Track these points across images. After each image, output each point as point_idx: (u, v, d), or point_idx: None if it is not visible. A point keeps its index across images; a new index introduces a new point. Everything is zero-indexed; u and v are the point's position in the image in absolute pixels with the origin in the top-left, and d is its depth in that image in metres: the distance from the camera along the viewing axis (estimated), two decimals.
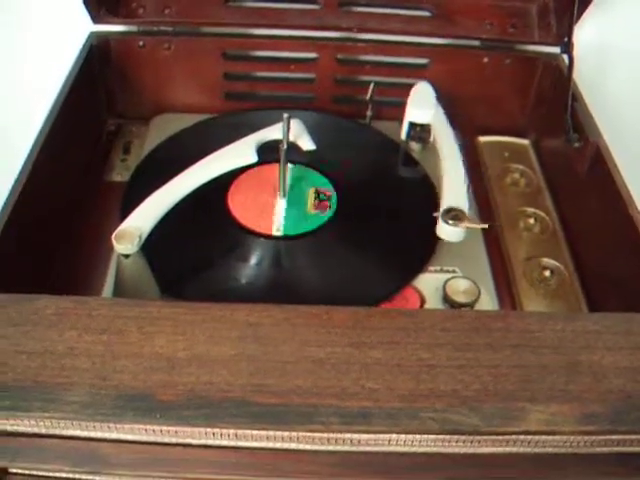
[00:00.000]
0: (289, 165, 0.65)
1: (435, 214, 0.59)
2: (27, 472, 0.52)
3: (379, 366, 0.44)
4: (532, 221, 0.68)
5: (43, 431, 0.47)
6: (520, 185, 0.73)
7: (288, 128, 0.59)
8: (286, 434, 0.45)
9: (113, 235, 0.53)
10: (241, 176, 0.65)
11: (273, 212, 0.62)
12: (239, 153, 0.60)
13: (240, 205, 0.62)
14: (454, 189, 0.61)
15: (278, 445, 0.46)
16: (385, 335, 0.45)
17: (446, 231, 0.58)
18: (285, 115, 0.58)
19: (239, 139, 0.62)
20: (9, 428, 0.46)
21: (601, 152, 0.63)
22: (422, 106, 0.71)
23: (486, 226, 0.58)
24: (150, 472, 0.48)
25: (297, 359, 0.44)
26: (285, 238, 0.60)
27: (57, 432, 0.47)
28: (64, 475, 0.52)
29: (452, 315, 0.49)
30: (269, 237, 0.60)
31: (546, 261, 0.64)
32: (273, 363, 0.43)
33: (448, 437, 0.45)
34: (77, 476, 0.52)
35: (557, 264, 0.64)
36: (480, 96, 0.78)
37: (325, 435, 0.45)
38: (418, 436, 0.45)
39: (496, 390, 0.43)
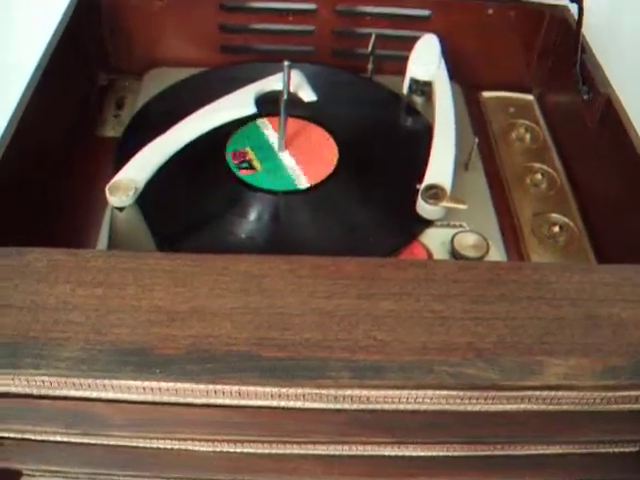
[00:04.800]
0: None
1: (417, 186, 0.57)
2: (19, 436, 0.50)
3: (390, 318, 0.41)
4: (539, 176, 0.66)
5: (34, 392, 0.44)
6: (526, 141, 0.70)
7: (289, 77, 0.56)
8: (292, 391, 0.43)
9: (107, 187, 0.50)
10: (241, 129, 0.62)
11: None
12: (237, 103, 0.58)
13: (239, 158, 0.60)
14: (439, 165, 0.59)
15: (283, 404, 0.44)
16: (395, 286, 0.43)
17: (425, 208, 0.57)
18: (286, 63, 0.56)
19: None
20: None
21: (612, 103, 0.61)
22: (424, 62, 0.69)
23: (465, 206, 0.56)
24: (148, 433, 0.47)
25: (304, 311, 0.41)
26: (286, 193, 0.58)
27: (50, 392, 0.44)
28: (58, 438, 0.50)
29: (465, 266, 0.46)
30: (268, 192, 0.58)
31: (555, 217, 0.62)
32: (279, 316, 0.41)
33: (461, 394, 0.43)
34: (72, 439, 0.50)
35: (566, 220, 0.62)
36: (484, 50, 0.75)
37: (333, 392, 0.43)
38: (430, 392, 0.43)
39: (513, 343, 0.41)
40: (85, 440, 0.50)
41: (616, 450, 0.52)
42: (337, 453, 0.50)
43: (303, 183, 0.59)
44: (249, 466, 0.50)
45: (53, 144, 0.62)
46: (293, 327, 0.41)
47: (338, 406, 0.44)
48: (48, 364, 0.39)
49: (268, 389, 0.43)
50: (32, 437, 0.50)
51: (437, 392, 0.43)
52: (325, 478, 0.51)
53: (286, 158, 0.61)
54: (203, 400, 0.44)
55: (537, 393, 0.44)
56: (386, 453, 0.50)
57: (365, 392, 0.43)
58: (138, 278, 0.43)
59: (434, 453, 0.50)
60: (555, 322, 0.43)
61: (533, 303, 0.43)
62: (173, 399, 0.44)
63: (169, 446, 0.50)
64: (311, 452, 0.50)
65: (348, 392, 0.43)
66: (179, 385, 0.43)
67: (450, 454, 0.50)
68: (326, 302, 0.42)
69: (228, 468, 0.50)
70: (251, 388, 0.43)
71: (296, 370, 0.39)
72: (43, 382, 0.43)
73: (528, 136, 0.71)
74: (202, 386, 0.42)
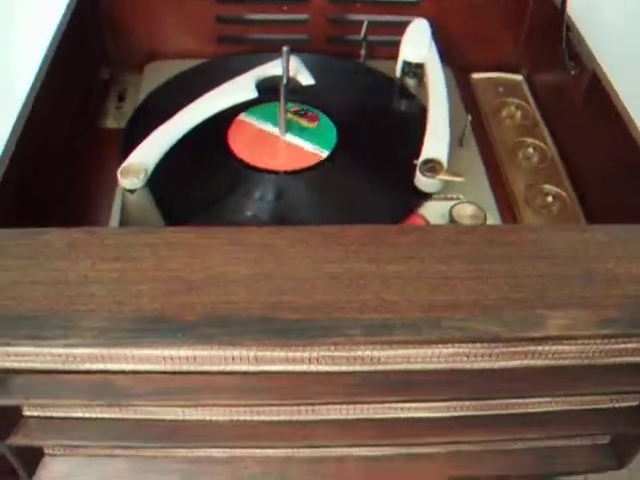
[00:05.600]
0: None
1: (415, 162, 0.59)
2: (42, 414, 0.52)
3: (397, 279, 0.43)
4: (531, 150, 0.68)
5: (59, 366, 0.46)
6: (516, 118, 0.73)
7: (288, 61, 0.58)
8: (306, 354, 0.45)
9: (119, 170, 0.52)
10: (243, 113, 0.64)
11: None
12: (239, 88, 0.60)
13: (241, 141, 0.62)
14: (435, 141, 0.61)
15: (298, 367, 0.46)
16: (400, 250, 0.45)
17: (423, 182, 0.59)
18: (285, 48, 0.58)
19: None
20: (24, 365, 0.46)
21: (598, 77, 0.63)
22: (416, 45, 0.71)
23: (462, 179, 0.58)
24: (167, 402, 0.48)
25: (315, 276, 0.43)
26: (286, 173, 0.60)
27: (73, 367, 0.46)
28: (79, 414, 0.52)
29: (465, 230, 0.49)
30: (270, 172, 0.60)
31: (547, 187, 0.64)
32: (291, 281, 0.43)
33: (467, 351, 0.46)
34: (93, 414, 0.52)
35: (558, 190, 0.64)
36: (472, 32, 0.78)
37: (346, 353, 0.45)
38: (437, 351, 0.46)
39: (515, 299, 0.43)
40: (106, 415, 0.52)
41: (617, 405, 0.55)
42: (350, 417, 0.52)
43: (318, 156, 0.62)
44: (266, 433, 0.52)
45: (59, 135, 0.64)
46: (306, 291, 0.43)
47: (350, 368, 0.46)
48: (75, 334, 0.41)
49: (283, 353, 0.45)
50: (54, 414, 0.52)
51: (444, 350, 0.46)
52: (339, 442, 0.53)
53: (292, 140, 0.63)
54: (221, 367, 0.46)
55: (539, 348, 0.46)
56: (396, 415, 0.52)
57: (376, 352, 0.45)
58: (155, 251, 0.45)
59: (442, 414, 0.53)
60: (553, 278, 0.45)
61: (532, 261, 0.45)
62: (192, 367, 0.46)
63: (188, 417, 0.52)
64: (325, 417, 0.52)
65: (359, 353, 0.45)
66: (198, 352, 0.45)
67: (457, 414, 0.53)
68: (336, 267, 0.44)
69: (246, 436, 0.52)
70: (267, 353, 0.45)
71: (311, 330, 0.41)
72: (67, 356, 0.45)
73: (518, 113, 0.73)
74: (221, 351, 0.44)
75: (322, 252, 0.45)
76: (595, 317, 0.43)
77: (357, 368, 0.46)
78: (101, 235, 0.46)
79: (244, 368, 0.46)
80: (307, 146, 0.62)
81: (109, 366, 0.46)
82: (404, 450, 0.56)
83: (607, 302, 0.44)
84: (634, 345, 0.48)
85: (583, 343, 0.46)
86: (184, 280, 0.43)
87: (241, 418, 0.52)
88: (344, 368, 0.46)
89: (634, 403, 0.55)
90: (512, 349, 0.46)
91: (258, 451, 0.55)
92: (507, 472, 0.58)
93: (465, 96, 0.75)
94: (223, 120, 0.62)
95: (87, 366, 0.46)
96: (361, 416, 0.52)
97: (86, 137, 0.68)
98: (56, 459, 0.57)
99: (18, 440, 0.51)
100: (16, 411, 0.51)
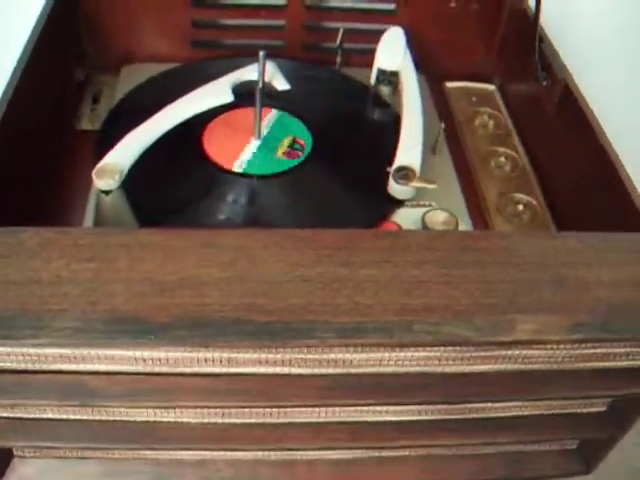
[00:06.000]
0: (274, 111, 0.65)
1: (388, 169, 0.59)
2: (12, 415, 0.52)
3: (370, 283, 0.44)
4: (503, 159, 0.69)
5: (30, 367, 0.46)
6: (489, 127, 0.74)
7: (264, 66, 0.59)
8: (279, 357, 0.45)
9: (94, 171, 0.52)
10: (218, 117, 0.64)
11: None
12: (215, 92, 0.60)
13: (216, 145, 0.62)
14: (408, 148, 0.61)
15: (270, 370, 0.46)
16: (374, 254, 0.46)
17: (396, 189, 0.60)
18: (261, 53, 0.58)
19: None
20: None
21: (570, 88, 0.64)
22: (391, 53, 0.71)
23: (435, 186, 0.59)
24: (139, 402, 0.48)
25: (289, 279, 0.44)
26: (260, 177, 0.60)
27: (45, 367, 0.46)
28: (50, 415, 0.52)
29: (437, 235, 0.49)
30: (242, 175, 0.60)
31: (519, 196, 0.65)
32: (265, 284, 0.43)
33: (438, 354, 0.46)
34: (64, 415, 0.51)
35: (529, 199, 0.65)
36: (447, 41, 0.79)
37: (318, 356, 0.45)
38: (409, 354, 0.46)
39: (486, 304, 0.44)
40: (77, 416, 0.51)
41: (585, 410, 0.55)
42: (321, 420, 0.52)
43: (293, 161, 0.62)
44: (237, 436, 0.52)
45: (33, 136, 0.63)
46: (279, 294, 0.43)
47: (323, 371, 0.47)
48: (47, 334, 0.40)
49: (256, 355, 0.45)
50: (25, 415, 0.52)
51: (416, 354, 0.46)
52: (310, 445, 0.53)
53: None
54: (194, 369, 0.46)
55: (510, 352, 0.47)
56: (368, 419, 0.53)
57: (348, 355, 0.45)
58: (129, 252, 0.45)
59: (413, 417, 0.53)
60: (524, 284, 0.45)
61: (503, 267, 0.46)
62: (165, 369, 0.46)
63: (159, 419, 0.51)
64: (297, 420, 0.52)
65: (332, 356, 0.45)
66: (170, 354, 0.45)
67: (428, 418, 0.53)
68: (309, 270, 0.44)
69: (217, 439, 0.52)
70: (239, 355, 0.45)
71: (284, 332, 0.41)
72: (39, 356, 0.45)
73: (491, 123, 0.74)
74: (193, 353, 0.44)
75: (295, 255, 0.45)
76: (565, 322, 0.44)
77: (330, 371, 0.47)
78: (75, 235, 0.46)
79: (216, 370, 0.46)
80: None
81: (81, 367, 0.46)
82: (375, 453, 0.57)
83: (577, 307, 0.45)
84: (603, 350, 0.48)
85: (553, 348, 0.47)
86: (157, 282, 0.43)
87: (212, 420, 0.52)
88: (316, 371, 0.46)
89: (602, 408, 0.56)
90: (483, 353, 0.46)
91: (229, 453, 0.55)
92: (477, 476, 0.59)
93: (439, 104, 0.75)
94: (199, 124, 0.62)
95: (58, 366, 0.46)
96: (333, 419, 0.52)
97: (61, 138, 0.68)
98: (26, 461, 0.57)
99: None
100: None
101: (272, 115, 0.66)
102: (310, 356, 0.45)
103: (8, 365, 0.46)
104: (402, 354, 0.46)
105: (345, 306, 0.43)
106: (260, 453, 0.56)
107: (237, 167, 0.60)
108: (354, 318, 0.42)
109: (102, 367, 0.46)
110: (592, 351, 0.48)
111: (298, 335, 0.41)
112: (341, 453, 0.57)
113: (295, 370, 0.46)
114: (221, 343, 0.42)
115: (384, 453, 0.57)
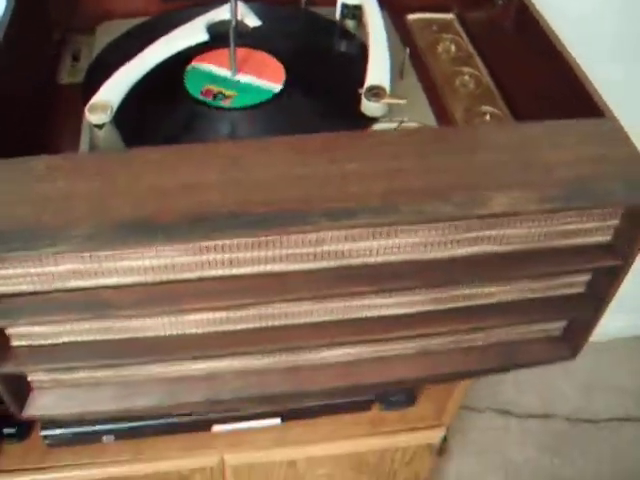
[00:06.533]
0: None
1: (360, 90, 0.63)
2: (30, 343, 0.55)
3: (356, 175, 0.48)
4: (467, 78, 0.73)
5: (45, 287, 0.50)
6: (451, 52, 0.77)
7: (236, 4, 0.62)
8: (276, 252, 0.49)
9: (87, 107, 0.55)
10: (194, 58, 0.68)
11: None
12: (191, 31, 0.64)
13: (197, 82, 0.65)
14: (377, 69, 0.65)
15: (269, 268, 0.50)
16: (356, 152, 0.50)
17: (369, 106, 0.63)
18: None
19: None
20: (11, 289, 0.49)
21: (525, 4, 0.68)
22: None
23: (405, 101, 0.62)
24: (151, 309, 0.51)
25: (282, 177, 0.47)
26: (244, 108, 0.64)
27: (59, 286, 0.50)
28: (65, 339, 0.55)
29: (412, 131, 0.54)
30: (225, 109, 0.63)
31: (484, 108, 0.69)
32: (260, 182, 0.47)
33: (424, 240, 0.50)
34: (79, 338, 0.55)
35: (494, 109, 0.69)
36: None
37: (312, 250, 0.49)
38: (397, 241, 0.50)
39: (462, 184, 0.48)
40: (91, 337, 0.55)
41: (565, 291, 0.60)
42: (322, 319, 0.56)
43: (275, 88, 0.65)
44: (243, 339, 0.56)
45: (21, 90, 0.66)
46: (274, 190, 0.47)
47: (318, 265, 0.51)
48: (63, 241, 0.44)
49: (255, 253, 0.49)
50: (42, 342, 0.55)
51: (403, 240, 0.50)
52: (314, 342, 0.57)
53: (244, 78, 0.67)
54: (197, 273, 0.50)
55: (490, 232, 0.51)
56: (364, 314, 0.56)
57: (340, 246, 0.49)
58: (130, 168, 0.48)
59: (408, 310, 0.57)
60: (495, 166, 0.50)
61: (474, 153, 0.50)
62: (171, 276, 0.50)
63: (169, 332, 0.55)
64: (299, 321, 0.56)
65: (325, 247, 0.49)
66: (176, 259, 0.49)
67: (422, 309, 0.57)
68: (300, 169, 0.48)
69: (224, 344, 0.56)
70: (240, 254, 0.49)
71: (281, 219, 0.45)
72: (53, 275, 0.49)
73: (453, 47, 0.78)
74: (197, 256, 0.48)
75: (286, 157, 0.49)
76: (535, 195, 0.48)
77: (324, 264, 0.51)
78: (79, 159, 0.50)
79: (219, 273, 0.50)
80: (259, 83, 0.66)
81: (94, 282, 0.50)
82: (374, 351, 0.60)
83: (545, 182, 0.49)
84: (572, 227, 0.53)
85: (529, 227, 0.51)
86: (160, 190, 0.46)
87: (219, 329, 0.55)
88: (311, 265, 0.50)
89: (580, 289, 0.60)
90: (466, 234, 0.51)
91: (237, 363, 0.59)
92: (472, 367, 0.63)
93: (402, 35, 0.79)
94: (179, 64, 0.65)
95: (72, 283, 0.50)
96: (333, 317, 0.56)
97: (46, 92, 0.70)
98: (43, 392, 0.59)
99: (9, 368, 0.54)
100: (5, 341, 0.54)
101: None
102: (305, 250, 0.49)
103: (24, 288, 0.49)
104: (390, 241, 0.50)
105: (335, 195, 0.46)
106: (266, 360, 0.59)
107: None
108: (344, 204, 0.46)
109: (113, 280, 0.50)
110: (563, 227, 0.52)
111: (293, 222, 0.45)
112: (342, 355, 0.60)
113: (291, 266, 0.50)
114: (223, 235, 0.45)
115: (383, 352, 0.61)
